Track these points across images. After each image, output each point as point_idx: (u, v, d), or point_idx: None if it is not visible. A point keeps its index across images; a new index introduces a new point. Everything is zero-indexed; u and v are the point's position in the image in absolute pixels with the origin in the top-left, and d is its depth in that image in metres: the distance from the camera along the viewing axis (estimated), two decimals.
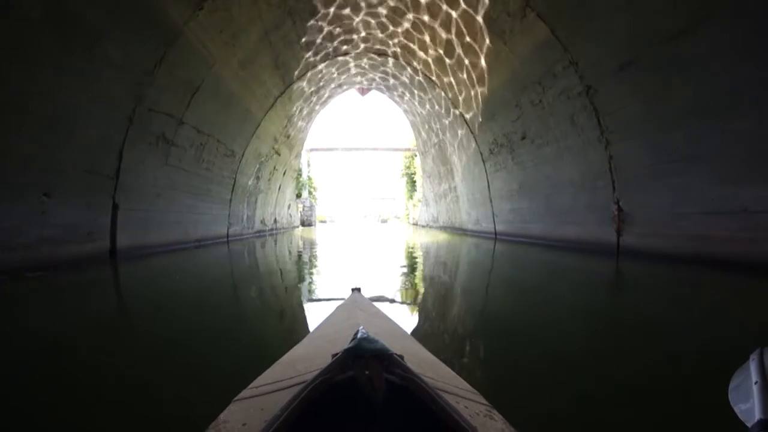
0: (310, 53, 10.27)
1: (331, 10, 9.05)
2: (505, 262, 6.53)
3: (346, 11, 9.24)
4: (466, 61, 8.97)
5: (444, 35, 9.03)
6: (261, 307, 3.35)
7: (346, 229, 21.36)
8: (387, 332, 1.03)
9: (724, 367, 0.91)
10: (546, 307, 3.11)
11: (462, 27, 8.23)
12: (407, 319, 2.72)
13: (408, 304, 3.31)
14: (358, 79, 13.78)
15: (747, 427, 0.59)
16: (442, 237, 12.70)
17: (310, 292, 3.83)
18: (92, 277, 4.87)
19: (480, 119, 9.92)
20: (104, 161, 5.91)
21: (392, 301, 3.22)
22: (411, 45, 10.38)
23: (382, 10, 9.29)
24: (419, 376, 0.49)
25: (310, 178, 30.35)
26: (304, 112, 14.07)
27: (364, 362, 0.48)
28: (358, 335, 0.52)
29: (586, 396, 1.48)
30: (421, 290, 3.98)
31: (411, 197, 30.28)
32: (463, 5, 7.73)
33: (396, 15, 9.37)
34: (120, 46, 5.44)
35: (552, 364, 1.83)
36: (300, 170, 25.28)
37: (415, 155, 27.03)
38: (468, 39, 8.33)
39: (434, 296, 3.69)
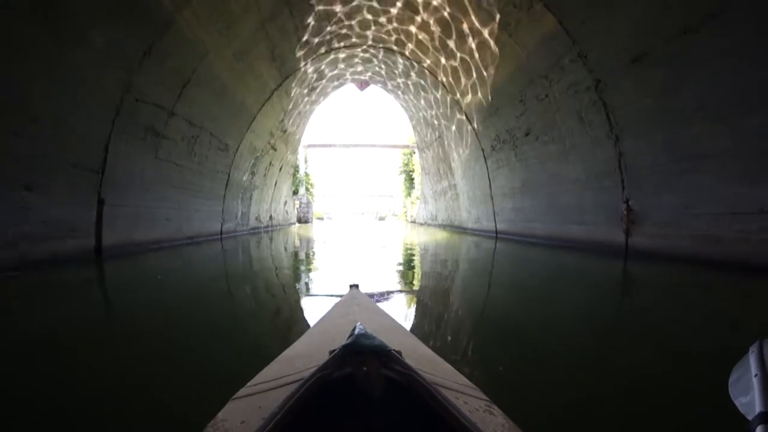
0: (307, 45, 9.95)
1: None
2: (506, 261, 6.37)
3: (345, 2, 8.93)
4: (470, 54, 8.70)
5: (446, 27, 8.74)
6: (258, 304, 3.30)
7: (344, 227, 21.31)
8: (385, 328, 1.02)
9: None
10: (547, 305, 3.07)
11: (465, 19, 7.94)
12: (406, 315, 2.71)
13: (406, 300, 3.29)
14: (357, 72, 13.46)
15: (747, 420, 0.58)
16: (441, 235, 12.47)
17: (307, 289, 3.80)
18: (76, 276, 4.62)
19: (482, 114, 9.65)
20: (89, 154, 5.63)
21: (390, 296, 3.22)
22: (412, 37, 10.09)
23: (383, 1, 8.99)
24: (418, 372, 0.49)
25: (307, 175, 30.09)
26: (301, 106, 13.75)
27: (362, 358, 0.48)
28: (356, 331, 0.52)
29: (587, 392, 1.47)
30: (420, 287, 3.96)
31: (409, 195, 30.13)
32: None
33: (396, 5, 9.06)
34: (107, 33, 5.15)
35: (552, 360, 1.81)
36: (297, 166, 25.03)
37: (414, 152, 26.85)
38: (472, 31, 8.05)
39: (433, 293, 3.67)
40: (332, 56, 11.28)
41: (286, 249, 8.36)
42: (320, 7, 8.75)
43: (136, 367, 1.72)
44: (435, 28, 9.12)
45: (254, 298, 3.53)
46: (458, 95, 10.50)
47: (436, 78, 11.05)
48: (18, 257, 4.57)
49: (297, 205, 25.25)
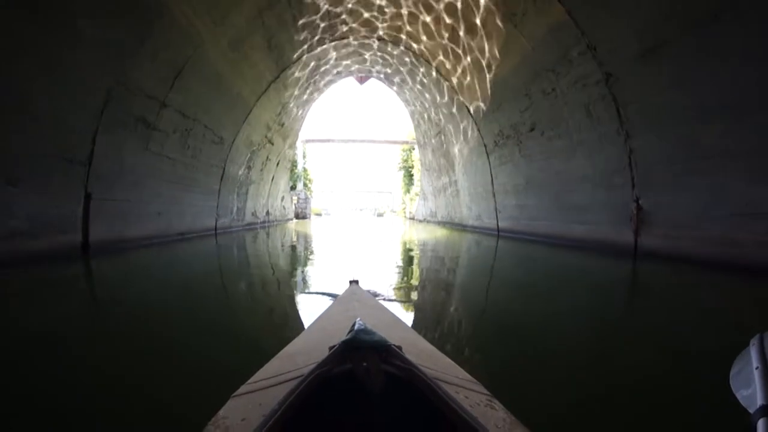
0: (306, 35, 9.65)
1: None
2: (508, 260, 6.24)
3: None
4: (473, 47, 8.43)
5: (449, 18, 8.47)
6: (258, 302, 3.28)
7: (342, 223, 21.33)
8: (385, 324, 1.01)
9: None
10: (549, 302, 3.03)
11: (469, 9, 7.67)
12: (406, 310, 2.71)
13: (407, 295, 3.29)
14: (357, 65, 13.15)
15: (749, 413, 0.57)
16: (440, 233, 12.28)
17: (307, 285, 3.79)
18: (63, 273, 4.42)
19: (485, 109, 9.40)
20: (75, 146, 5.38)
21: (390, 292, 3.20)
22: (414, 29, 9.80)
23: None
24: (418, 367, 0.49)
25: (305, 170, 29.83)
26: (300, 100, 13.44)
27: (362, 354, 0.48)
28: (356, 327, 0.52)
29: (588, 388, 1.47)
30: (420, 282, 3.94)
31: (408, 191, 29.95)
32: None
33: None
34: (95, 19, 4.89)
35: (554, 357, 1.80)
36: (295, 161, 24.79)
37: (413, 148, 26.65)
38: (475, 22, 7.78)
39: (433, 289, 3.66)
40: (332, 48, 10.98)
41: (283, 246, 8.20)
42: None
43: (135, 366, 1.70)
44: (438, 20, 8.84)
45: (254, 296, 3.48)
46: (460, 89, 10.24)
47: (438, 71, 10.77)
48: (2, 254, 4.33)
49: (295, 201, 25.04)
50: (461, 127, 11.42)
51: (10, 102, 4.31)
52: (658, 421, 1.24)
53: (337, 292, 2.44)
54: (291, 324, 2.47)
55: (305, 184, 29.05)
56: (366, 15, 9.65)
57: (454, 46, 9.15)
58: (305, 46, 10.09)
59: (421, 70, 11.63)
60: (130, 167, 6.41)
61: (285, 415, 0.43)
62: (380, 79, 15.07)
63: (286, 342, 0.95)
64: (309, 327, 1.14)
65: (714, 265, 4.44)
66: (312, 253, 6.78)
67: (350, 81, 15.92)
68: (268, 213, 15.76)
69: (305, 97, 13.77)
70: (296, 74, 11.17)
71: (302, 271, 4.71)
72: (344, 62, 12.50)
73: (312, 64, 11.38)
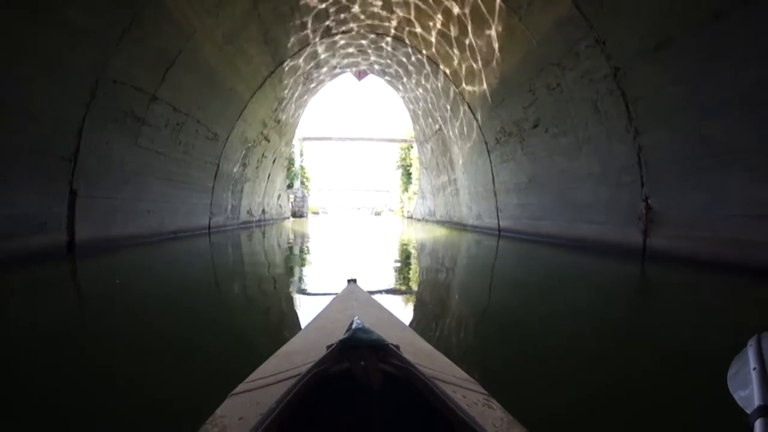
0: (303, 29, 9.39)
1: None
2: (508, 259, 6.14)
3: None
4: (475, 41, 8.20)
5: (451, 10, 8.23)
6: (256, 301, 3.26)
7: (339, 221, 21.34)
8: (383, 323, 1.01)
9: None
10: (549, 302, 3.00)
11: (471, 2, 7.43)
12: (404, 309, 2.71)
13: (405, 294, 3.29)
14: (355, 60, 12.87)
15: (746, 414, 0.57)
16: (439, 232, 12.10)
17: (305, 285, 3.77)
18: (49, 274, 4.28)
19: (487, 105, 9.17)
20: (59, 140, 5.13)
21: (388, 292, 3.21)
22: (413, 23, 9.56)
23: None
24: (415, 366, 0.49)
25: (302, 168, 29.57)
26: (296, 95, 13.17)
27: (360, 353, 0.48)
28: (353, 326, 0.52)
29: (586, 388, 1.46)
30: (418, 282, 3.94)
31: (406, 190, 29.76)
32: None
33: None
34: (80, 5, 4.64)
35: (552, 357, 1.80)
36: (292, 159, 24.57)
37: (412, 146, 26.48)
38: (478, 15, 7.55)
39: (431, 287, 3.67)
40: (329, 42, 10.71)
41: (279, 244, 8.05)
42: None
43: (132, 365, 1.69)
44: (438, 14, 8.60)
45: (251, 295, 3.45)
46: (461, 85, 10.01)
47: (438, 67, 10.54)
48: None
49: (292, 199, 24.81)
50: (462, 124, 11.20)
51: None
52: (656, 421, 1.24)
53: (334, 292, 2.42)
54: (288, 323, 2.45)
55: (302, 183, 28.80)
56: (364, 8, 9.39)
57: (455, 40, 8.91)
58: (302, 40, 9.83)
59: (421, 65, 11.39)
60: (119, 163, 6.16)
61: (282, 413, 0.42)
62: (379, 74, 14.81)
63: (284, 341, 0.95)
64: (307, 326, 1.14)
65: (725, 266, 4.28)
66: (308, 252, 6.68)
67: (348, 77, 15.67)
68: (264, 211, 15.49)
69: (302, 93, 13.50)
70: (293, 69, 10.90)
71: (299, 271, 4.65)
72: (342, 57, 12.23)
73: (309, 59, 11.11)
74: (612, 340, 2.12)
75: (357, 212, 50.60)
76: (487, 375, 1.50)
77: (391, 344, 0.51)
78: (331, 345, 0.51)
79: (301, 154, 29.41)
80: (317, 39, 10.18)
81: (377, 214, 44.37)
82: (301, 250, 6.74)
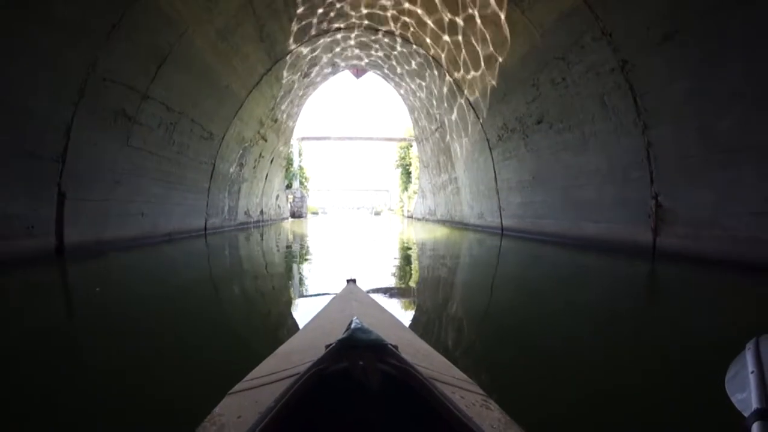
0: (299, 25, 9.18)
1: None
2: (511, 258, 6.05)
3: None
4: (476, 35, 8.00)
5: (451, 6, 8.03)
6: (255, 301, 3.25)
7: (339, 221, 21.25)
8: (382, 323, 1.02)
9: None
10: (549, 304, 2.98)
11: None
12: (403, 310, 2.73)
13: (404, 295, 3.30)
14: (353, 57, 12.65)
15: (744, 417, 0.58)
16: (440, 232, 11.90)
17: (304, 285, 3.78)
18: (40, 279, 4.15)
19: (488, 102, 8.97)
20: (47, 140, 4.94)
21: (388, 292, 3.23)
22: (413, 17, 9.36)
23: None
24: (414, 367, 0.49)
25: (301, 168, 29.38)
26: (294, 94, 12.96)
27: (358, 353, 0.48)
28: (352, 326, 0.52)
29: (583, 390, 1.45)
30: (418, 282, 3.94)
31: (406, 189, 29.58)
32: None
33: None
34: (69, 1, 4.47)
35: (550, 359, 1.79)
36: (291, 159, 24.37)
37: (411, 145, 26.31)
38: (479, 8, 7.35)
39: (431, 288, 3.68)
40: (326, 39, 10.51)
41: (278, 246, 7.89)
42: None
43: (132, 363, 1.70)
44: (438, 8, 8.40)
45: (250, 296, 3.44)
46: (462, 81, 9.82)
47: (439, 63, 10.34)
48: None
49: (290, 200, 24.63)
50: (463, 121, 11.00)
51: None
52: (653, 423, 1.24)
53: (334, 292, 2.43)
54: (288, 323, 2.45)
55: (301, 183, 28.61)
56: (362, 3, 9.18)
57: (456, 35, 8.71)
58: (298, 36, 9.62)
59: (421, 61, 11.19)
60: (110, 164, 5.96)
61: (281, 412, 0.42)
62: (377, 71, 14.60)
63: (283, 341, 0.95)
64: (305, 326, 1.15)
65: (739, 266, 4.13)
66: (308, 253, 6.58)
67: (346, 75, 15.46)
68: (262, 212, 15.29)
69: (300, 91, 13.29)
70: (290, 66, 10.69)
71: (298, 272, 4.62)
72: (340, 54, 12.02)
73: (306, 56, 10.90)
74: (612, 342, 2.09)
75: (356, 212, 50.46)
76: (486, 376, 1.55)
77: (390, 344, 0.50)
78: (330, 345, 0.51)
79: (300, 154, 29.22)
80: (314, 35, 9.98)
81: (377, 213, 44.22)
82: (300, 252, 6.62)
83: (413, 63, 11.62)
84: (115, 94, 5.67)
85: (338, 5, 9.12)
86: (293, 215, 24.64)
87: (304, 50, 10.45)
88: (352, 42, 11.20)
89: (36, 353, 1.85)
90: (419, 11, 8.95)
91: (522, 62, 7.12)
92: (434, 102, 12.76)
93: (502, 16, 6.94)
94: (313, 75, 12.77)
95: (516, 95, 7.74)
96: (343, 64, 13.19)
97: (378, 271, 4.58)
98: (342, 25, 10.01)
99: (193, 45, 6.70)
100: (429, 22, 9.08)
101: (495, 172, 9.64)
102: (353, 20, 9.88)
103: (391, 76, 14.15)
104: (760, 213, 4.01)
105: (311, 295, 3.28)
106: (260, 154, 12.95)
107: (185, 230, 8.42)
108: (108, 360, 1.75)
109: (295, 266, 5.13)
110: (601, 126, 5.85)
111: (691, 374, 1.59)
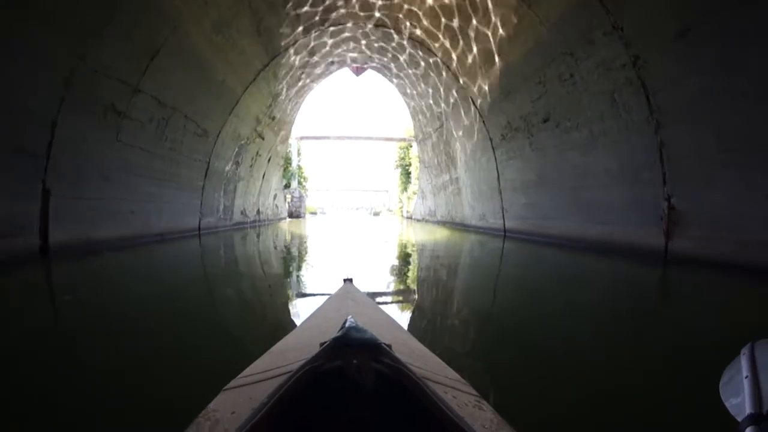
0: (298, 21, 8.93)
1: None
2: (513, 260, 5.93)
3: None
4: (479, 31, 7.78)
5: (453, 2, 7.80)
6: (251, 300, 3.27)
7: (337, 222, 21.14)
8: (377, 323, 1.02)
9: None
10: (547, 307, 2.92)
11: None
12: (399, 310, 2.75)
13: (400, 295, 3.33)
14: (353, 53, 12.41)
15: (737, 422, 0.58)
16: (440, 233, 11.68)
17: (300, 286, 3.78)
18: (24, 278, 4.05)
19: (491, 100, 8.75)
20: (30, 135, 4.69)
21: (385, 294, 3.27)
22: (414, 14, 9.14)
23: None
24: (407, 366, 0.49)
25: (300, 167, 29.10)
26: (292, 91, 12.71)
27: (352, 351, 0.48)
28: (347, 325, 0.52)
29: (577, 392, 1.44)
30: (414, 283, 3.97)
31: (405, 189, 29.38)
32: None
33: None
34: None
35: (544, 361, 1.78)
36: (289, 158, 24.13)
37: (411, 145, 26.10)
38: (482, 3, 7.13)
39: (427, 289, 3.70)
40: (325, 35, 10.27)
41: (275, 246, 7.70)
42: None
43: (128, 359, 1.71)
44: (440, 3, 8.17)
45: (247, 295, 3.44)
46: (464, 79, 9.59)
47: (440, 60, 10.12)
48: None
49: (289, 199, 24.36)
50: (465, 120, 10.77)
51: None
52: (647, 426, 1.24)
53: (330, 292, 2.36)
54: (283, 322, 2.46)
55: (300, 182, 28.34)
56: None
57: (458, 31, 8.49)
58: (297, 32, 9.38)
59: (422, 58, 10.96)
60: (98, 160, 5.71)
61: (274, 408, 0.43)
62: (377, 69, 14.36)
63: (278, 339, 0.95)
64: (301, 324, 1.16)
65: (757, 271, 3.91)
66: (306, 253, 6.46)
67: (346, 72, 15.22)
68: (258, 212, 15.03)
69: (298, 88, 13.04)
70: (288, 62, 10.45)
71: (295, 272, 4.64)
72: (339, 50, 11.77)
73: (305, 51, 10.66)
74: (612, 344, 2.07)
75: (355, 212, 50.29)
76: (478, 376, 1.55)
77: (384, 343, 0.50)
78: (325, 343, 0.50)
79: (299, 154, 28.96)
80: (313, 30, 9.73)
81: (376, 214, 44.06)
82: (297, 253, 6.48)
83: (414, 60, 11.40)
84: (105, 87, 5.43)
85: (338, 1, 8.88)
86: (291, 215, 24.39)
87: (303, 46, 10.20)
88: (351, 38, 10.96)
89: (31, 354, 1.83)
90: (422, 7, 8.72)
91: (527, 58, 6.90)
92: (435, 100, 12.54)
93: (508, 11, 6.71)
94: (312, 71, 12.53)
95: (520, 93, 7.51)
96: (342, 60, 12.94)
97: (375, 272, 4.56)
98: (342, 20, 9.77)
99: (186, 37, 6.47)
100: (431, 17, 8.85)
101: (498, 172, 9.41)
102: (353, 15, 9.64)
103: (391, 73, 13.93)
104: None
105: (307, 295, 3.28)
106: (257, 153, 12.69)
107: (178, 230, 8.16)
108: (106, 358, 1.74)
109: (291, 267, 5.09)
110: (610, 124, 5.63)
111: (686, 377, 1.58)
